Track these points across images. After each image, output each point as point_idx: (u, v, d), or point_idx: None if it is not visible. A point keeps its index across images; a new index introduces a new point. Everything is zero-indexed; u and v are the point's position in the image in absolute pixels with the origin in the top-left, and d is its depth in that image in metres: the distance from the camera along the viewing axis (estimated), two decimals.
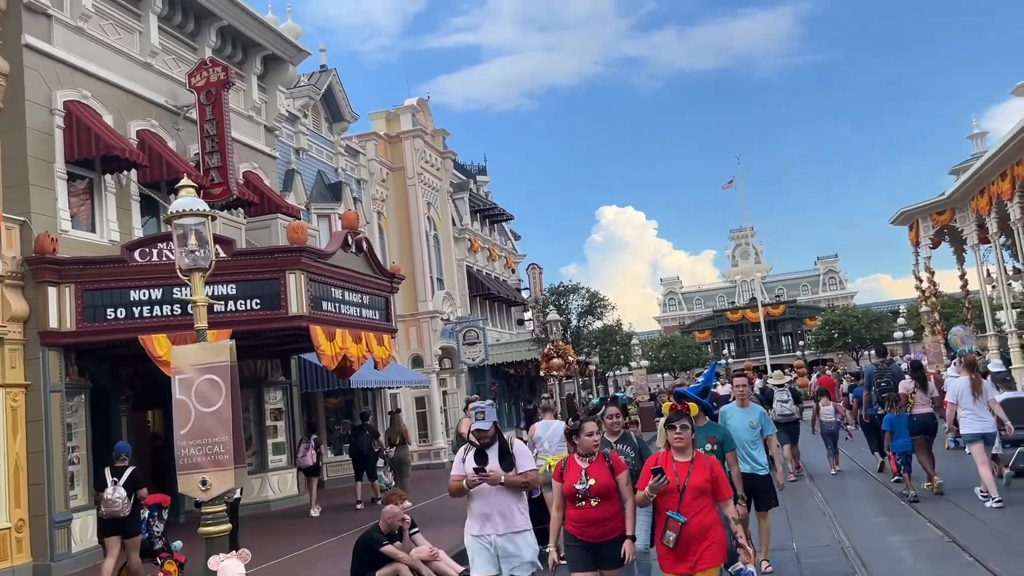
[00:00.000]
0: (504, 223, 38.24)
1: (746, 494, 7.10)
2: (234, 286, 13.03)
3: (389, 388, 23.63)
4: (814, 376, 36.72)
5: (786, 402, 14.67)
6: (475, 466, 5.84)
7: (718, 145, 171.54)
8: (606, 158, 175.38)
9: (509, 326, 35.74)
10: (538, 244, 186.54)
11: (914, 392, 11.92)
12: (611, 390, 59.28)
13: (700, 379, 7.36)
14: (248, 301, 13.12)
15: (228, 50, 17.93)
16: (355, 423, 19.36)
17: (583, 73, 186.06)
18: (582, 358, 30.37)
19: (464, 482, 5.85)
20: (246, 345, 15.70)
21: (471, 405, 6.39)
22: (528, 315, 31.48)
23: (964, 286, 39.44)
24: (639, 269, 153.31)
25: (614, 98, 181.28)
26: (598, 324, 29.40)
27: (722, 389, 29.16)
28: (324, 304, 14.06)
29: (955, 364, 17.52)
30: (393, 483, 16.63)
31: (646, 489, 5.02)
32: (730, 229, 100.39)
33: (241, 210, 17.54)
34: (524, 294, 36.97)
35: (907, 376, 12.34)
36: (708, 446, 6.45)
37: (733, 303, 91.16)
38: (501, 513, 5.81)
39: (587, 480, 5.38)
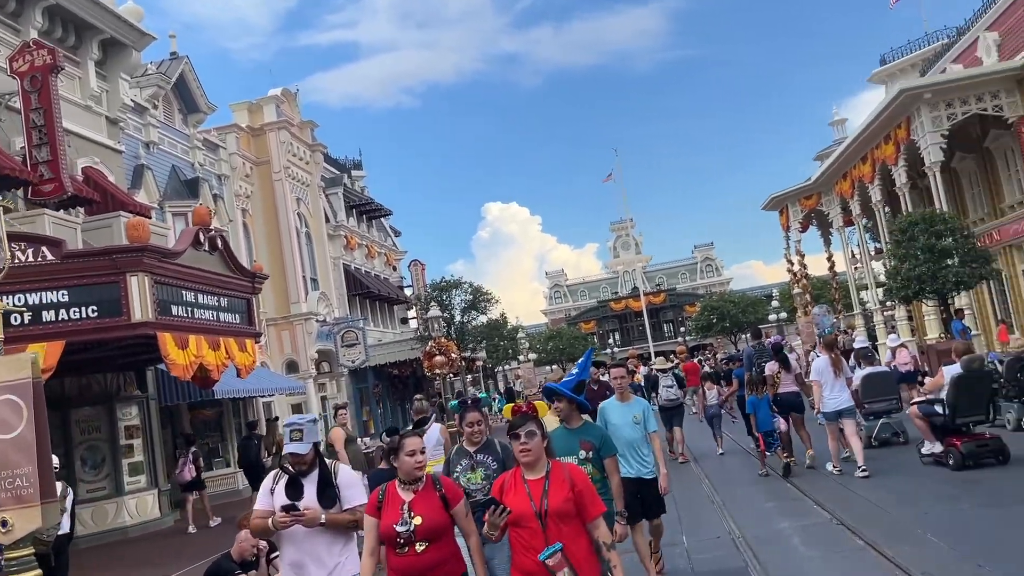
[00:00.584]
0: (383, 219, 37.05)
1: (635, 501, 6.30)
2: (65, 292, 11.64)
3: (261, 396, 22.19)
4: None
5: (671, 387, 14.91)
6: (285, 502, 4.41)
7: (598, 139, 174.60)
8: (490, 154, 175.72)
9: (392, 325, 34.62)
10: (425, 242, 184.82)
11: (779, 373, 12.30)
12: (501, 385, 58.95)
13: (574, 370, 5.99)
14: (83, 308, 11.75)
15: (59, 32, 16.18)
16: (243, 434, 19.00)
17: (463, 70, 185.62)
18: (467, 354, 29.62)
19: (270, 521, 4.40)
20: (90, 358, 14.20)
21: (285, 422, 4.78)
22: (412, 313, 30.49)
23: (831, 268, 41.06)
24: (526, 264, 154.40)
25: (495, 94, 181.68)
26: (483, 319, 28.70)
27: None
28: (174, 308, 12.76)
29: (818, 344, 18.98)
30: None
31: (484, 528, 3.94)
32: (611, 221, 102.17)
33: (81, 210, 15.86)
34: (407, 292, 35.93)
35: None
36: (582, 453, 5.45)
37: (616, 293, 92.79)
38: (318, 560, 4.41)
39: (410, 518, 4.10)
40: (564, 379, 5.80)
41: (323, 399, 26.45)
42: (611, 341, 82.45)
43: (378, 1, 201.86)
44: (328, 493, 4.48)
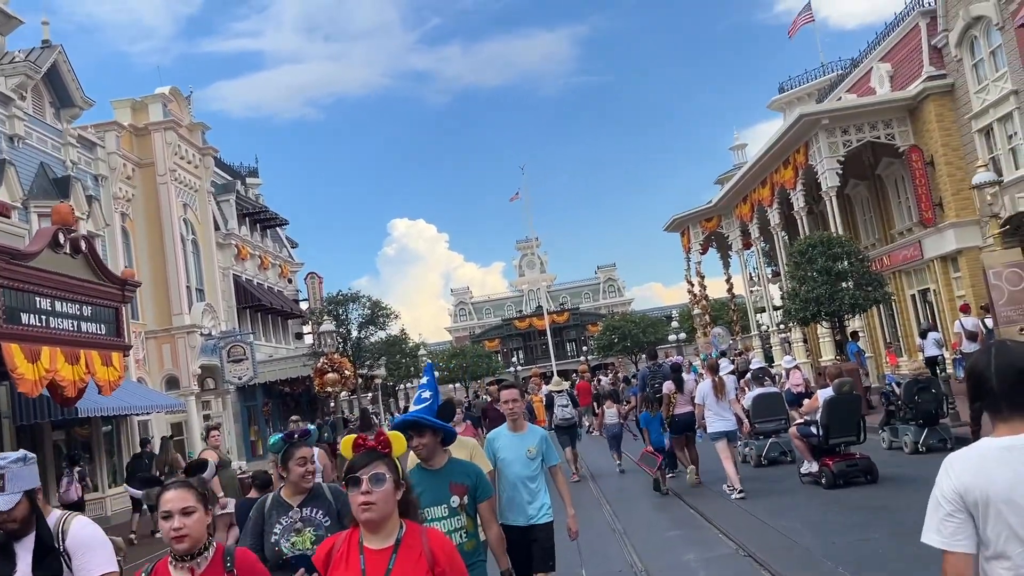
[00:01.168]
0: (279, 229, 35.50)
1: (522, 555, 5.18)
2: None
3: (136, 414, 20.52)
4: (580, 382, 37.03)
5: (566, 406, 15.17)
6: None
7: (507, 159, 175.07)
8: (397, 170, 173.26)
9: (286, 340, 33.07)
10: (329, 257, 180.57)
11: (675, 394, 12.58)
12: (402, 404, 57.59)
13: (423, 393, 4.65)
14: None
15: None
16: (135, 451, 18.19)
17: (371, 84, 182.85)
18: (364, 371, 28.44)
19: None
20: None
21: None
22: (307, 328, 29.08)
23: (730, 289, 41.81)
24: (432, 281, 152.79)
25: (403, 110, 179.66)
26: (381, 335, 27.57)
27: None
28: (24, 316, 11.38)
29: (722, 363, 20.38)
30: None
31: None
32: (516, 240, 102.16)
33: None
34: (303, 305, 34.44)
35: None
36: (454, 499, 4.21)
37: (521, 311, 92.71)
38: None
39: None
40: (414, 408, 4.55)
41: (206, 417, 24.79)
42: (515, 359, 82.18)
43: (284, 12, 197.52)
44: (48, 563, 3.14)
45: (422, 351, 43.95)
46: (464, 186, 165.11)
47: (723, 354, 31.71)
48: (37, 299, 11.70)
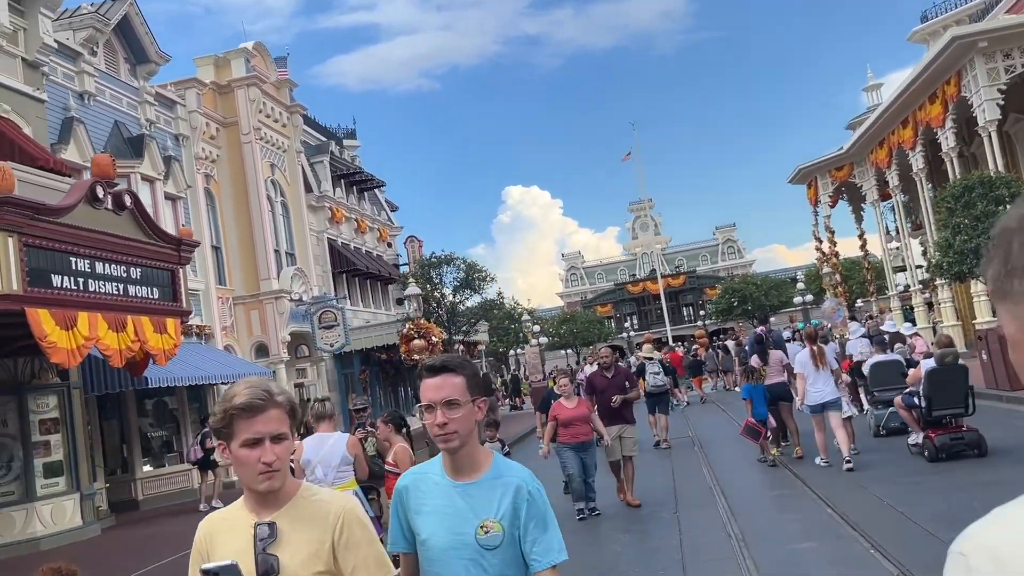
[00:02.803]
0: (378, 191, 34.42)
1: None
2: None
3: (224, 383, 19.71)
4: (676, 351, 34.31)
5: (657, 374, 15.65)
6: None
7: (621, 122, 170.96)
8: (510, 137, 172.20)
9: (386, 306, 32.07)
10: (445, 227, 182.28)
11: (763, 367, 12.48)
12: (512, 370, 56.41)
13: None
14: None
15: None
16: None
17: (484, 52, 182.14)
18: (460, 337, 26.97)
19: None
20: None
21: None
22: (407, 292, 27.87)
23: (863, 246, 38.00)
24: (546, 248, 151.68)
25: (516, 76, 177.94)
26: (476, 299, 26.00)
27: (588, 369, 26.34)
28: (56, 279, 10.21)
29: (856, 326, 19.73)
30: None
31: None
32: (629, 202, 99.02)
33: None
34: (403, 270, 33.33)
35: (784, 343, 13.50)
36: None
37: (634, 276, 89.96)
38: None
39: None
40: None
41: (299, 387, 23.97)
42: (628, 324, 79.65)
43: None
44: None
45: (525, 317, 42.21)
46: (577, 151, 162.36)
47: (852, 318, 28.46)
48: (73, 260, 10.54)
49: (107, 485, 16.95)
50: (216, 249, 21.83)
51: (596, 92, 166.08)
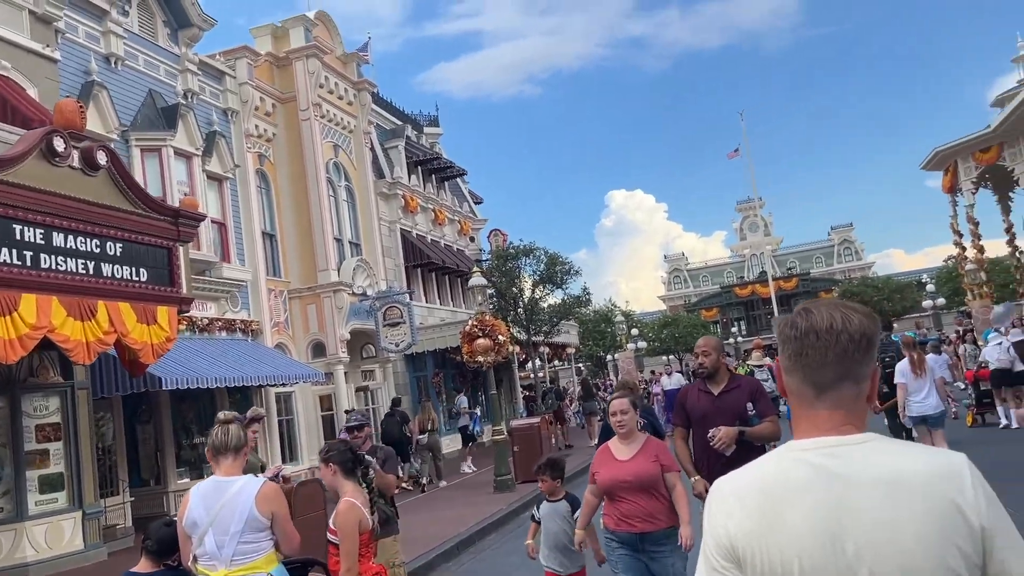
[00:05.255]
0: (460, 181, 32.01)
1: None
2: None
3: (272, 386, 17.59)
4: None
5: (767, 381, 14.39)
6: None
7: (727, 123, 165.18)
8: (614, 141, 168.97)
9: (467, 303, 29.58)
10: (548, 230, 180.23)
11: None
12: (611, 375, 53.26)
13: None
14: None
15: None
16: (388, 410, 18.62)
17: (587, 56, 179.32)
18: (541, 338, 24.10)
19: None
20: None
21: None
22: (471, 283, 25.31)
23: (1011, 240, 33.04)
24: (650, 253, 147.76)
25: (620, 80, 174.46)
26: (558, 295, 23.09)
27: (668, 381, 23.13)
28: None
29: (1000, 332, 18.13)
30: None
31: None
32: (737, 201, 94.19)
33: None
34: (486, 266, 30.75)
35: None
36: None
37: (742, 278, 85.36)
38: None
39: None
40: None
41: (362, 390, 21.70)
42: (735, 329, 75.04)
43: None
44: None
45: (619, 318, 38.97)
46: (683, 154, 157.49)
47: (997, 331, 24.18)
48: (17, 227, 8.31)
49: (131, 499, 14.98)
50: (270, 237, 19.80)
51: (704, 93, 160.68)
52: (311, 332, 19.88)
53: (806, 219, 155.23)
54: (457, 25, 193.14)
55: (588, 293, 23.64)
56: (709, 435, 5.13)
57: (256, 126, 19.43)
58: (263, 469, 8.03)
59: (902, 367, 10.82)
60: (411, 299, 21.58)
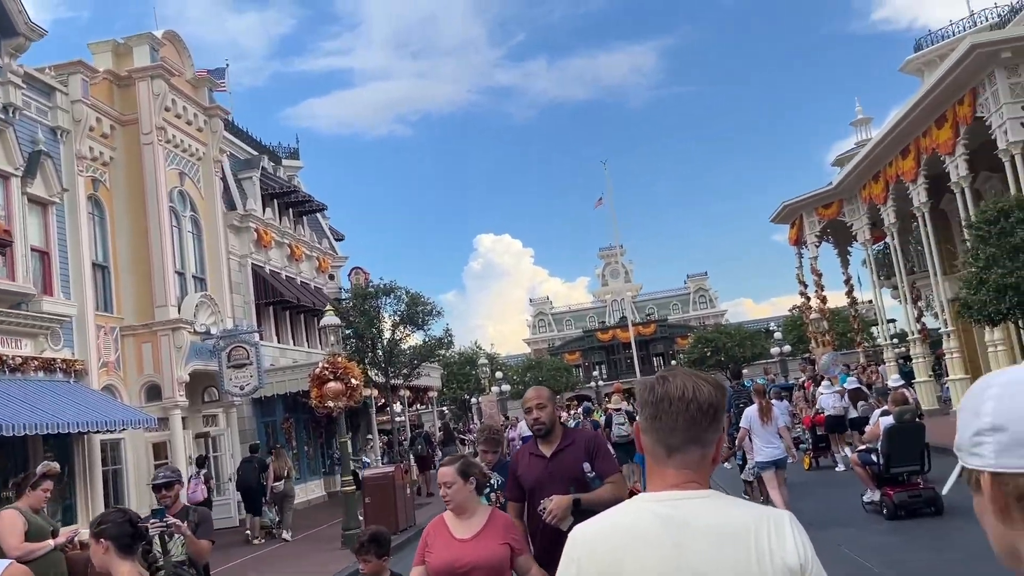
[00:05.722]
0: (320, 216, 30.89)
1: None
2: None
3: (97, 432, 15.87)
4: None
5: (623, 424, 15.23)
6: None
7: (592, 174, 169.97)
8: (483, 185, 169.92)
9: (323, 344, 28.31)
10: (417, 271, 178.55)
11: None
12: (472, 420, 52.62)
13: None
14: None
15: None
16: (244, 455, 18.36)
17: (458, 100, 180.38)
18: (401, 381, 23.24)
19: None
20: None
21: None
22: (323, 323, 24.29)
23: (850, 292, 35.08)
24: (517, 297, 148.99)
25: (489, 126, 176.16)
26: (418, 336, 22.32)
27: (525, 426, 23.03)
28: None
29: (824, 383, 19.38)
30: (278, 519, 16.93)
31: None
32: (600, 248, 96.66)
33: None
34: (345, 305, 29.64)
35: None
36: None
37: (604, 323, 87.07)
38: None
39: None
40: None
41: (202, 438, 20.13)
42: (596, 373, 76.34)
43: (374, 30, 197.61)
44: None
45: (483, 361, 38.57)
46: (549, 201, 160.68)
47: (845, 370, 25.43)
48: None
49: None
50: (102, 268, 18.15)
51: (570, 144, 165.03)
52: (145, 373, 18.26)
53: (665, 267, 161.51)
54: (327, 62, 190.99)
55: (450, 335, 23.07)
56: (539, 507, 4.25)
57: (91, 148, 17.87)
58: (55, 533, 6.90)
59: (750, 413, 11.17)
60: (261, 338, 20.34)
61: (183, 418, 18.83)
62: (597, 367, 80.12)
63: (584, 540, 1.71)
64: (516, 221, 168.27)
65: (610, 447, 13.20)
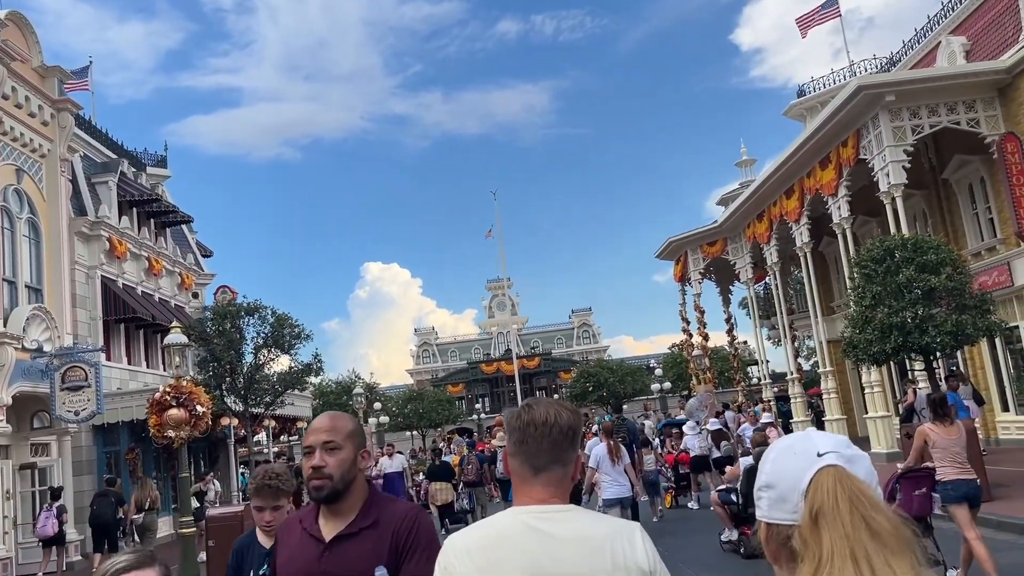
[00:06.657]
0: (186, 229, 28.62)
1: None
2: None
3: None
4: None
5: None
6: None
7: (482, 207, 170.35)
8: (372, 212, 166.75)
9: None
10: (299, 299, 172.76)
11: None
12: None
13: None
14: None
15: None
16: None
17: (349, 127, 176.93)
18: (260, 410, 21.33)
19: None
20: None
21: None
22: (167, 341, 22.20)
23: (731, 330, 35.38)
24: (403, 326, 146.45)
25: (381, 154, 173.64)
26: (284, 361, 20.50)
27: (388, 463, 20.44)
28: None
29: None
30: None
31: None
32: (488, 279, 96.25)
33: None
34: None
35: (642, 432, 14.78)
36: None
37: (489, 355, 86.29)
38: None
39: None
40: None
41: (28, 468, 17.72)
42: (479, 406, 75.21)
43: (265, 50, 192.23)
44: None
45: (357, 389, 36.77)
46: (439, 232, 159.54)
47: (721, 410, 25.32)
48: None
49: None
50: None
51: (461, 177, 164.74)
52: None
53: (550, 301, 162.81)
54: (214, 79, 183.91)
55: (320, 360, 21.33)
56: None
57: None
58: None
59: (598, 453, 11.18)
60: (108, 359, 18.19)
61: (6, 447, 16.49)
62: (480, 399, 79.11)
63: (464, 549, 1.87)
64: (405, 250, 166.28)
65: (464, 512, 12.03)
